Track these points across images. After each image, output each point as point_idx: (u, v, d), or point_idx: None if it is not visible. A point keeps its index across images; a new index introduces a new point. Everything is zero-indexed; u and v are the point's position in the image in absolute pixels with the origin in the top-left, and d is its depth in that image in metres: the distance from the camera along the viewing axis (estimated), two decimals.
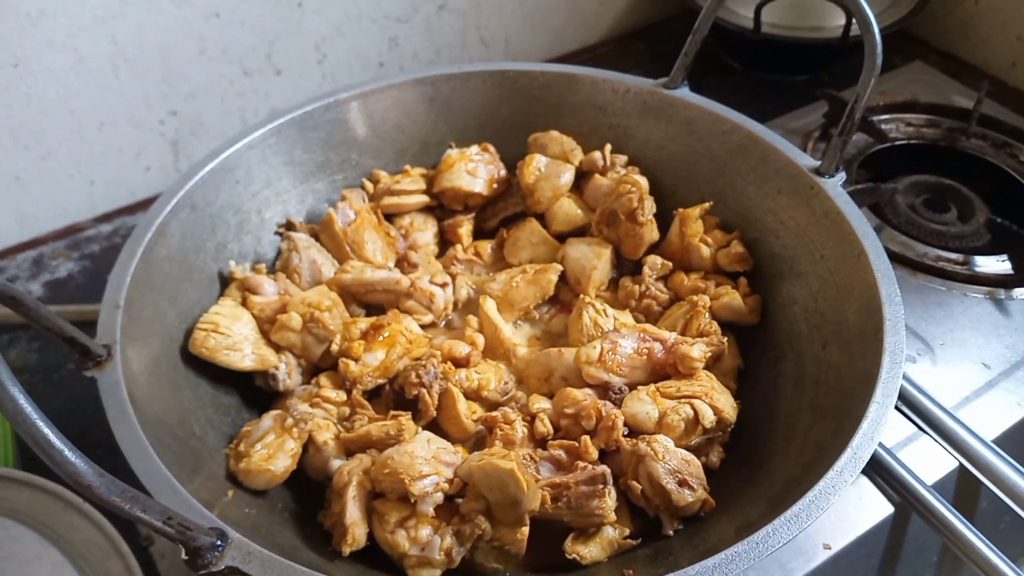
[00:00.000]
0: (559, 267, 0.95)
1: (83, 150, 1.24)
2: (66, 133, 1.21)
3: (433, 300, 0.92)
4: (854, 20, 1.30)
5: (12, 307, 0.64)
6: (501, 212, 1.04)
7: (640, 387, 0.80)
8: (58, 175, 1.24)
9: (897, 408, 0.87)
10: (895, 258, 1.10)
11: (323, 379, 0.84)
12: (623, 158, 1.01)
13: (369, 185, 1.03)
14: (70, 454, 0.47)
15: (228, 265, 0.91)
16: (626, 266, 0.97)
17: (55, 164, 1.23)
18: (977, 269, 1.11)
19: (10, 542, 0.77)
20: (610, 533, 0.73)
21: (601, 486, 0.71)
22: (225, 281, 0.91)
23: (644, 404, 0.77)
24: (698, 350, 0.81)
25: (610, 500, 0.72)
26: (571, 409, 0.79)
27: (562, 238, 0.99)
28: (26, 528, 0.79)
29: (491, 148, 1.04)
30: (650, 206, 0.93)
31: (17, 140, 1.18)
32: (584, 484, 0.71)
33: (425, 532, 0.70)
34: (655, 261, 0.93)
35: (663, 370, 0.82)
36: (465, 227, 1.02)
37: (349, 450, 0.79)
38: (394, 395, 0.84)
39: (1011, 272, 1.10)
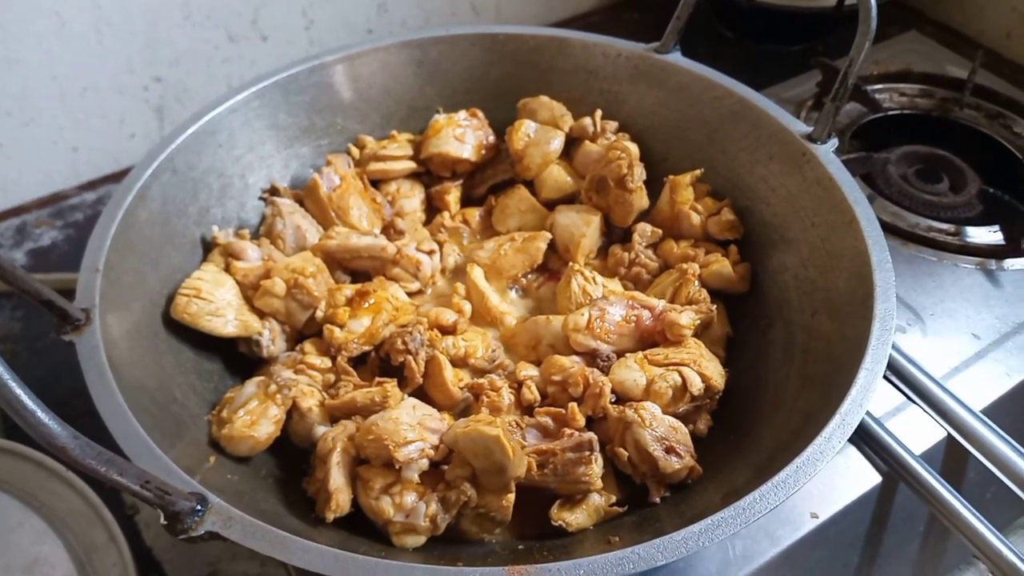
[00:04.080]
0: (548, 235, 0.94)
1: (66, 116, 1.22)
2: (49, 99, 1.20)
3: (420, 267, 0.91)
4: None
5: None
6: (489, 179, 1.02)
7: (628, 354, 0.80)
8: (41, 142, 1.23)
9: (886, 378, 0.87)
10: (886, 228, 1.09)
11: (307, 346, 0.84)
12: (613, 124, 1.00)
13: (355, 150, 1.01)
14: (43, 415, 0.46)
15: (211, 230, 0.90)
16: (615, 233, 0.97)
17: (38, 131, 1.21)
18: (968, 240, 1.10)
19: None
20: (596, 500, 0.73)
21: (588, 453, 0.71)
22: (208, 246, 0.89)
23: (632, 371, 0.77)
24: (687, 317, 0.80)
25: (596, 467, 0.71)
26: (558, 376, 0.78)
27: (551, 205, 0.98)
28: (9, 496, 0.79)
29: (479, 113, 1.02)
30: (640, 173, 0.92)
31: None
32: (570, 451, 0.71)
33: (410, 499, 0.69)
34: (645, 228, 0.93)
35: (651, 338, 0.82)
36: (453, 194, 1.01)
37: (334, 417, 0.78)
38: (380, 362, 0.84)
39: (1002, 243, 1.10)
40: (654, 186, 0.95)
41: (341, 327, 0.82)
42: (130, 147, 1.30)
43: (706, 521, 0.58)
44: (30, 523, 0.77)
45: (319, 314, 0.85)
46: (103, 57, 1.20)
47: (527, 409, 0.78)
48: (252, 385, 0.78)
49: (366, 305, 0.84)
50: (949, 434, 0.85)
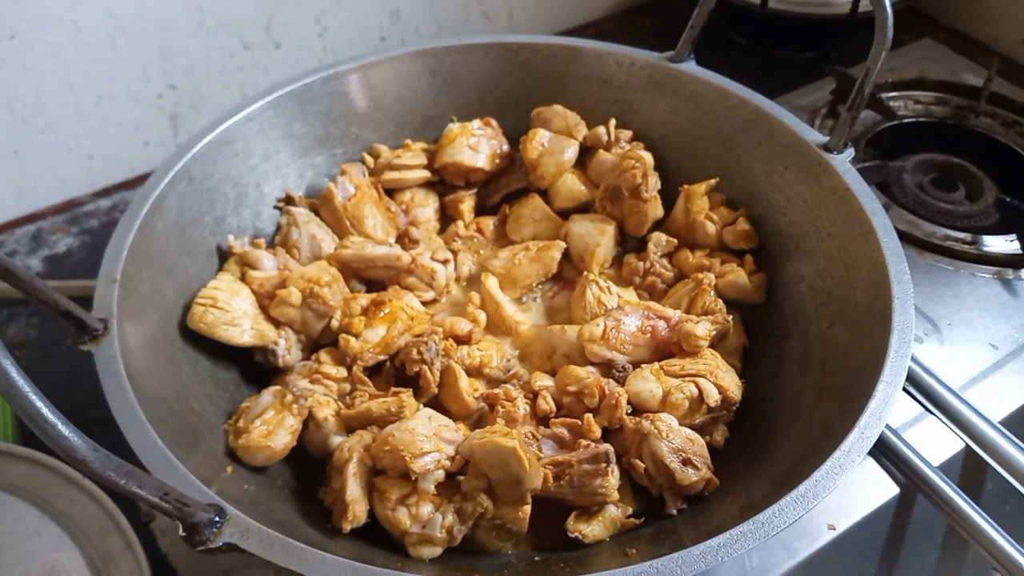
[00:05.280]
0: (562, 244, 0.94)
1: (81, 124, 1.23)
2: (64, 107, 1.20)
3: (434, 277, 0.91)
4: None
5: (6, 279, 0.63)
6: (503, 188, 1.02)
7: (644, 365, 0.79)
8: (56, 149, 1.23)
9: (904, 389, 0.86)
10: (902, 237, 1.08)
11: (323, 355, 0.84)
12: (628, 133, 1.00)
13: (369, 159, 1.01)
14: (63, 428, 0.46)
15: (227, 239, 0.90)
16: (630, 243, 0.96)
17: (53, 138, 1.22)
18: (985, 249, 1.09)
19: (10, 517, 0.77)
20: (613, 512, 0.72)
21: (604, 464, 0.70)
22: (224, 256, 0.90)
23: (648, 382, 0.77)
24: (703, 328, 0.80)
25: (613, 479, 0.71)
26: (574, 387, 0.78)
27: (565, 214, 0.98)
28: (26, 503, 0.78)
29: (493, 122, 1.02)
30: (654, 182, 0.92)
31: (15, 113, 1.16)
32: (587, 462, 0.71)
33: (426, 510, 0.69)
34: (660, 238, 0.92)
35: (667, 348, 0.81)
36: (467, 203, 1.01)
37: (349, 427, 0.78)
38: (395, 372, 0.84)
39: (1020, 252, 1.09)
40: (669, 195, 0.94)
41: (356, 336, 0.82)
42: (145, 154, 1.30)
43: (725, 535, 0.58)
44: (47, 530, 0.77)
45: (334, 323, 0.85)
46: (118, 65, 1.21)
47: (543, 420, 0.78)
48: (268, 395, 0.78)
49: (381, 315, 0.84)
50: (967, 445, 0.84)
